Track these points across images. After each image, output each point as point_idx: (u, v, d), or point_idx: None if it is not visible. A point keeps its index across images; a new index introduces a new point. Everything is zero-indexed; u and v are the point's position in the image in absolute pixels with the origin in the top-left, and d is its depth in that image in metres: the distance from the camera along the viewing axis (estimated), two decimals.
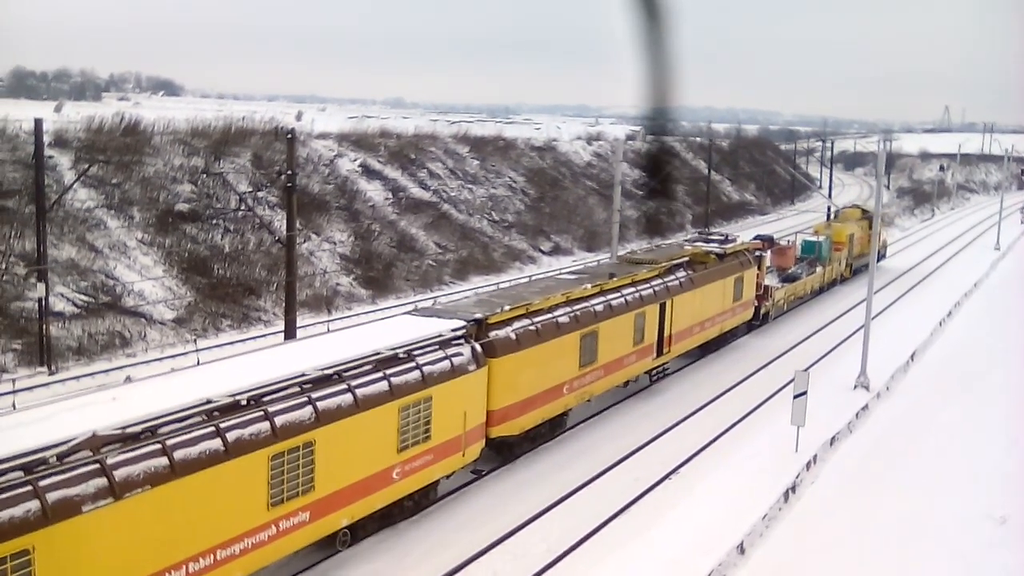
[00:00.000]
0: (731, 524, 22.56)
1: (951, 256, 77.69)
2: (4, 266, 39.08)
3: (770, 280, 50.11)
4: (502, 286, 36.45)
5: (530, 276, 37.83)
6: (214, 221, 50.01)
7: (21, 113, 50.11)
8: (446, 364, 23.31)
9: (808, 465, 26.87)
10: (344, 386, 20.22)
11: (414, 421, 22.14)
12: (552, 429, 29.71)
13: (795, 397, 27.71)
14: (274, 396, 18.73)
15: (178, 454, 16.31)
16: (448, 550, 22.02)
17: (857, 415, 31.94)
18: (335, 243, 55.00)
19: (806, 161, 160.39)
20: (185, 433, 16.71)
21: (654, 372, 36.51)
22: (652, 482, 26.46)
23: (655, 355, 35.40)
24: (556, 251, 71.45)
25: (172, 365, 33.56)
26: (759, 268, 45.89)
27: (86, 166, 45.35)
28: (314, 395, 19.42)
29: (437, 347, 23.50)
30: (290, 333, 34.10)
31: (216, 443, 17.01)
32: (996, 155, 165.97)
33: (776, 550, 22.22)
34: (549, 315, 28.24)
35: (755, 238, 52.75)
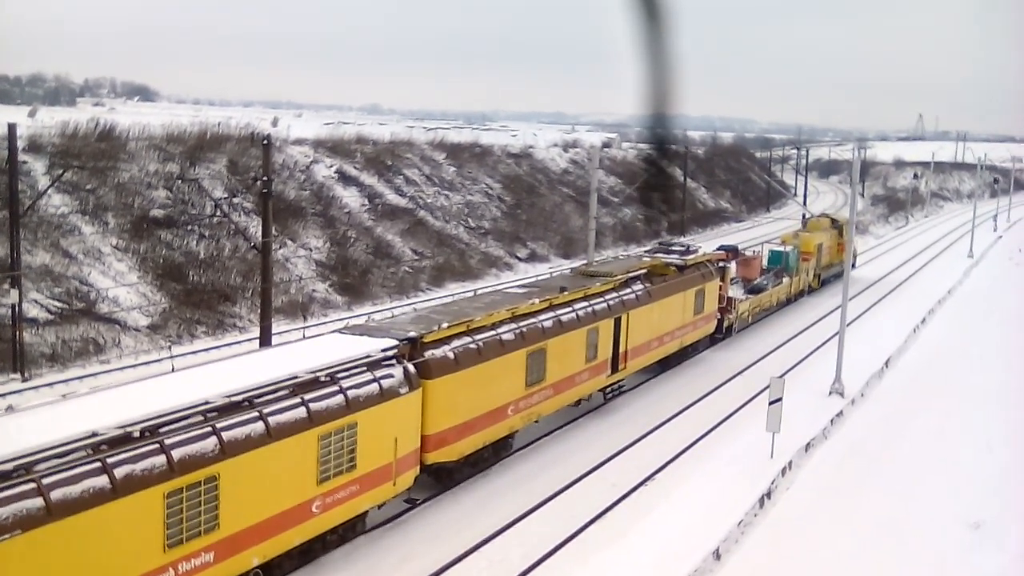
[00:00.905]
0: (707, 530, 22.61)
1: (925, 263, 78.22)
2: None
3: (735, 292, 49.01)
4: (447, 300, 34.06)
5: (475, 291, 35.91)
6: (189, 227, 49.78)
7: None
8: (374, 387, 21.69)
9: (783, 471, 26.96)
10: (255, 414, 18.58)
11: (336, 450, 20.50)
12: (496, 452, 28.17)
13: (770, 403, 27.79)
14: (172, 427, 17.12)
15: (56, 494, 14.81)
16: (424, 557, 22.00)
17: (832, 421, 32.08)
18: (311, 249, 54.84)
19: (781, 169, 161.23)
20: (65, 470, 15.18)
21: (609, 390, 35.10)
22: (628, 488, 26.50)
23: (610, 372, 34.01)
24: (532, 258, 71.49)
25: (146, 372, 33.33)
26: (723, 279, 44.70)
27: (60, 171, 45.06)
28: (219, 424, 17.79)
29: (365, 369, 21.85)
30: (265, 340, 33.97)
31: (102, 480, 15.48)
32: (969, 163, 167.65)
33: (752, 556, 22.28)
34: (492, 332, 26.70)
35: (719, 248, 51.58)
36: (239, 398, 18.68)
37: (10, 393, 32.78)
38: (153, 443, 16.60)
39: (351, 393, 21.00)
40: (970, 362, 42.98)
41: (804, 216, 73.82)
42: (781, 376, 29.97)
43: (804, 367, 41.11)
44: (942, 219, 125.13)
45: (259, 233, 37.72)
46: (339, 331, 25.57)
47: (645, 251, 46.84)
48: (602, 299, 33.26)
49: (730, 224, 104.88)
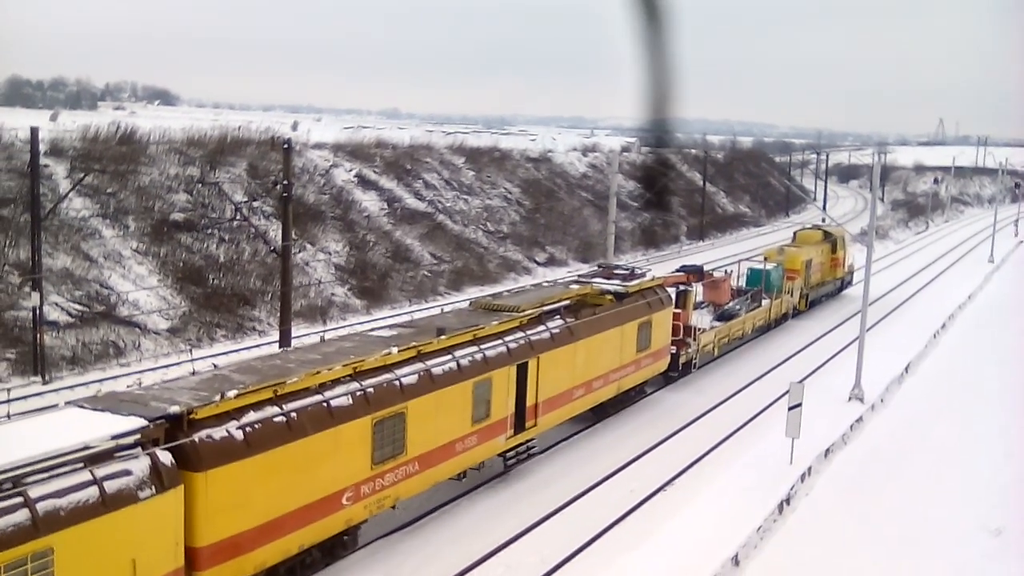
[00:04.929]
0: (726, 535, 22.57)
1: (945, 268, 77.84)
2: None
3: (703, 319, 42.58)
4: (269, 352, 25.46)
5: (322, 335, 27.17)
6: (209, 231, 50.00)
7: (17, 122, 50.12)
8: (90, 492, 15.10)
9: (803, 477, 26.86)
10: None
11: None
12: (329, 552, 21.35)
13: (790, 409, 27.76)
14: None
15: None
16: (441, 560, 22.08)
17: (852, 427, 31.93)
18: (330, 253, 55.00)
19: (801, 173, 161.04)
20: None
21: (512, 454, 28.08)
22: (647, 494, 26.49)
23: (511, 432, 27.09)
24: (551, 262, 71.48)
25: (166, 374, 33.47)
26: (684, 306, 38.96)
27: (81, 175, 45.37)
28: None
29: (79, 466, 15.27)
30: (285, 343, 34.10)
31: None
32: (990, 168, 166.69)
33: (771, 561, 22.21)
34: (316, 398, 20.08)
35: (680, 269, 43.51)
36: None
37: (31, 395, 33.02)
38: None
39: (43, 506, 14.51)
40: (990, 368, 42.69)
41: (823, 220, 73.26)
42: (800, 382, 29.79)
43: (818, 376, 40.81)
44: (962, 224, 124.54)
45: (279, 237, 37.89)
46: (75, 403, 18.26)
47: (580, 275, 39.47)
48: (499, 341, 26.56)
49: (749, 229, 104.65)
